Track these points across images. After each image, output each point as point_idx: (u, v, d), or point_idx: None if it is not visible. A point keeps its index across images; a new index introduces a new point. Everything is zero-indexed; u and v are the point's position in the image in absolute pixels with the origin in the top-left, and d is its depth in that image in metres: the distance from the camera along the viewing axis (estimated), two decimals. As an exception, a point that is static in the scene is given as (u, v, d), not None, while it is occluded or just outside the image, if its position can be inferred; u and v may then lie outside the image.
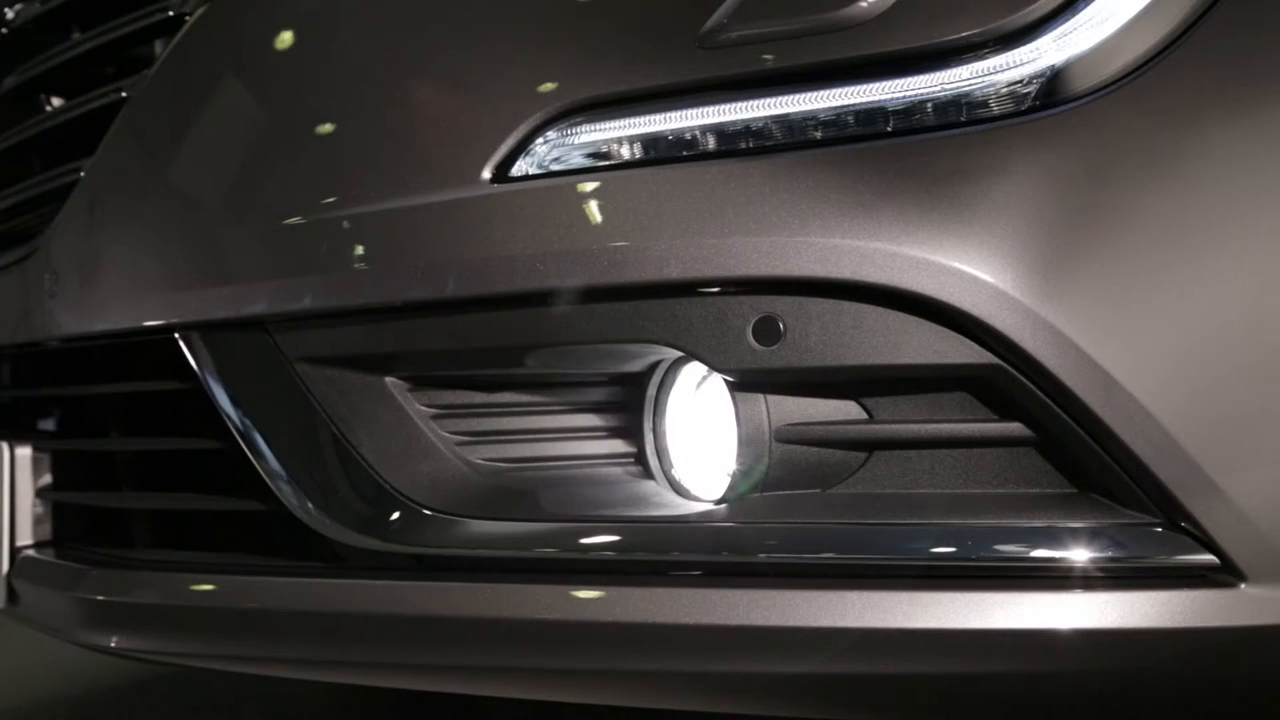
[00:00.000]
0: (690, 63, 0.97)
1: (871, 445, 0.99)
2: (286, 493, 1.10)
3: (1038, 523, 0.93)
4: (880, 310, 0.93)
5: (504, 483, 1.07)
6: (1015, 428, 0.94)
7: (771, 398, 0.99)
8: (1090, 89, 0.90)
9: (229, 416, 1.13)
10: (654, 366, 1.05)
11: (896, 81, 0.93)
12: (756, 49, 0.96)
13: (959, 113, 0.92)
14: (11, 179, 1.46)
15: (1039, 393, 0.91)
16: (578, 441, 1.08)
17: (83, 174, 1.27)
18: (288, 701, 1.94)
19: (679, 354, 1.01)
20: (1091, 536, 0.92)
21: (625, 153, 0.99)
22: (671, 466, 1.06)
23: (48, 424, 1.48)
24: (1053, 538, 0.93)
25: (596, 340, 1.02)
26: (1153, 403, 0.89)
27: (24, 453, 1.39)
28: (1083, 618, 0.91)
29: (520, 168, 1.01)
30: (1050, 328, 0.89)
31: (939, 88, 0.92)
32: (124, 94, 1.24)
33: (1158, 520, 0.91)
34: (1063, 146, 0.90)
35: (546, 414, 1.09)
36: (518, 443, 1.09)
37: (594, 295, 0.99)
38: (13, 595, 1.36)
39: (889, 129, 0.93)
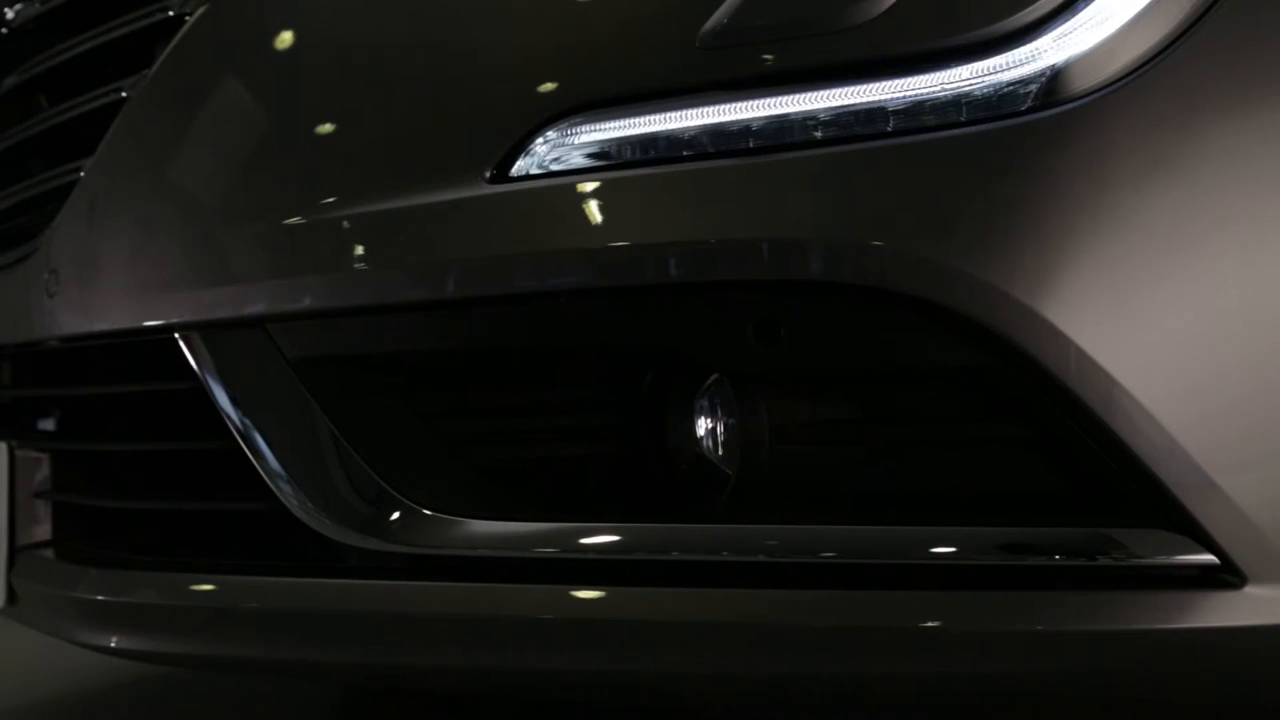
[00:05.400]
0: (690, 63, 0.97)
1: (872, 445, 0.99)
2: (286, 493, 1.10)
3: (1038, 523, 0.93)
4: (880, 310, 0.93)
5: (504, 483, 1.07)
6: (1015, 428, 0.94)
7: (771, 397, 0.99)
8: (1090, 89, 0.91)
9: (229, 416, 1.13)
10: (654, 366, 1.05)
11: (896, 81, 0.93)
12: (756, 49, 0.96)
13: (959, 113, 0.92)
14: (11, 179, 1.46)
15: (1039, 393, 0.91)
16: (578, 441, 1.08)
17: (83, 174, 1.27)
18: (288, 701, 1.94)
19: (679, 354, 1.01)
20: (1091, 536, 0.92)
21: (625, 153, 0.98)
22: (672, 466, 1.06)
23: (48, 424, 1.48)
24: (1053, 538, 0.93)
25: (596, 340, 1.02)
26: (1153, 403, 0.89)
27: (24, 453, 1.39)
28: (1083, 618, 0.91)
29: (520, 168, 1.01)
30: (1050, 328, 0.89)
31: (939, 88, 0.92)
32: (124, 94, 1.24)
33: (1158, 520, 0.91)
34: (1063, 146, 0.90)
35: (546, 414, 1.09)
36: (518, 443, 1.09)
37: (594, 295, 0.99)
38: (13, 595, 1.36)
39: (889, 129, 0.93)
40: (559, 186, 0.99)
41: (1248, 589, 0.90)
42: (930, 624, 0.93)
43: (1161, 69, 0.90)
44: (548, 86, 1.01)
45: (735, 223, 0.95)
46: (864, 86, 0.93)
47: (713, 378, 1.02)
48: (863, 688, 0.99)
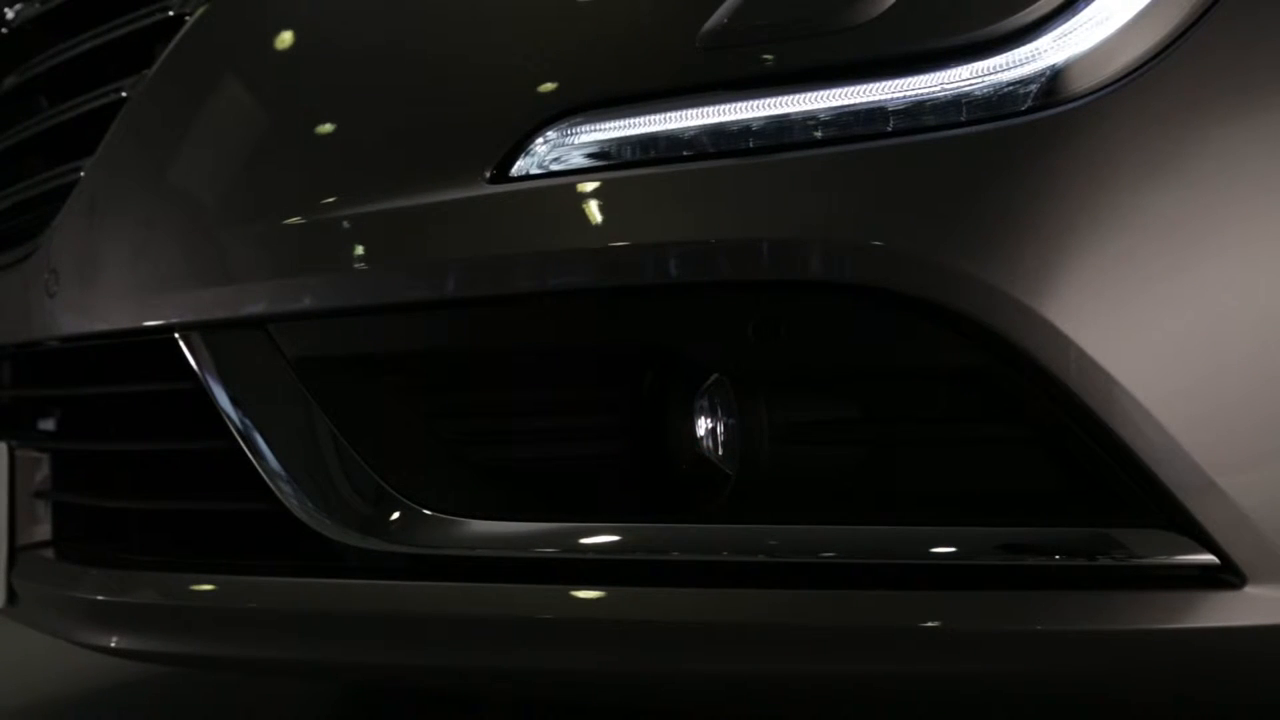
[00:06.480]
0: (690, 63, 0.97)
1: (872, 445, 0.99)
2: (286, 493, 1.10)
3: (1037, 523, 0.93)
4: (880, 310, 0.93)
5: (504, 483, 1.07)
6: (1015, 428, 0.94)
7: (771, 397, 0.99)
8: (1090, 89, 0.91)
9: (229, 416, 1.13)
10: (654, 366, 1.05)
11: (896, 81, 0.93)
12: (756, 49, 0.96)
13: (959, 113, 0.92)
14: (11, 179, 1.46)
15: (1039, 393, 0.91)
16: (577, 441, 1.08)
17: (83, 174, 1.27)
18: (288, 702, 1.95)
19: (679, 354, 1.01)
20: (1091, 537, 0.92)
21: (625, 153, 0.99)
22: (672, 466, 1.06)
23: (48, 424, 1.48)
24: (1053, 538, 0.93)
25: (596, 340, 1.02)
26: (1153, 403, 0.89)
27: (25, 453, 1.39)
28: (1083, 618, 0.91)
29: (520, 168, 1.01)
30: (1050, 328, 0.89)
31: (939, 88, 0.92)
32: (124, 94, 1.24)
33: (1158, 520, 0.91)
34: (1063, 146, 0.90)
35: (546, 414, 1.09)
36: (518, 443, 1.09)
37: (594, 295, 0.99)
38: (13, 595, 1.36)
39: (889, 129, 0.93)
40: (559, 186, 0.99)
41: (1248, 589, 0.90)
42: (930, 624, 0.93)
43: (1162, 69, 0.90)
44: (548, 86, 1.01)
45: (735, 223, 0.95)
46: (864, 86, 0.93)
47: (713, 378, 1.02)
48: (863, 688, 0.99)
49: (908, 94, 0.93)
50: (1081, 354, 0.89)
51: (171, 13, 1.23)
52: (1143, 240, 0.89)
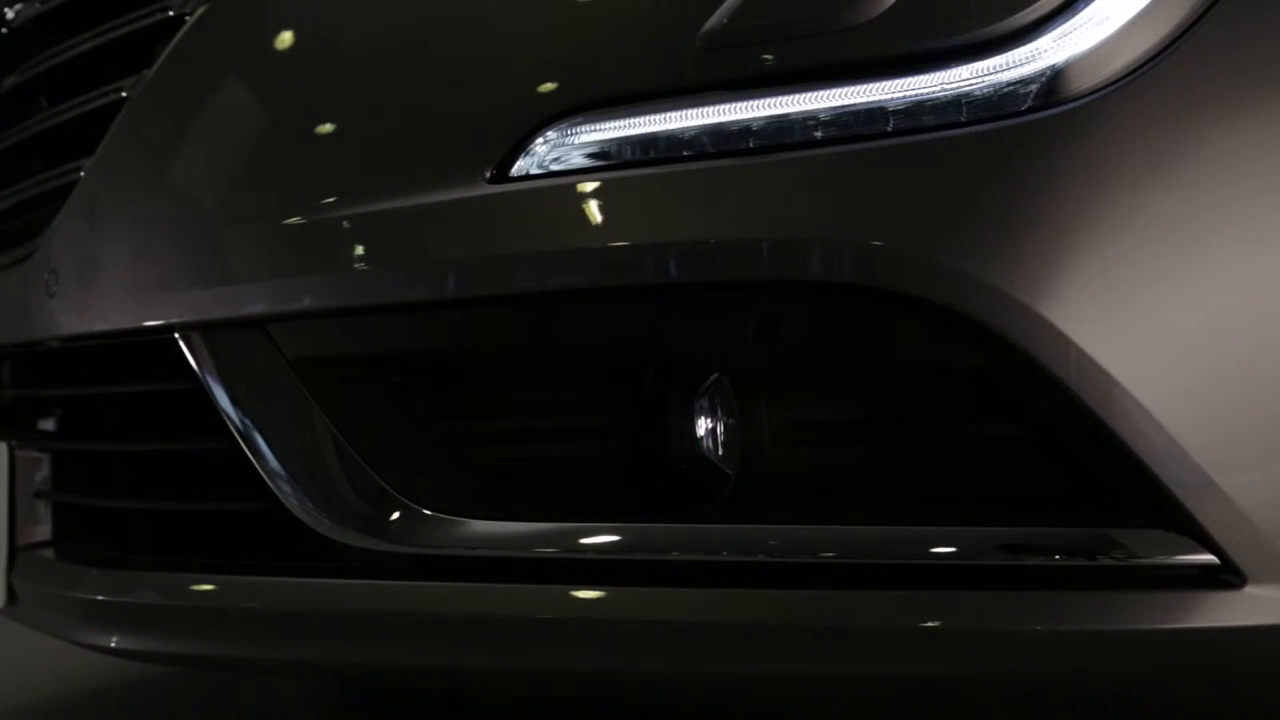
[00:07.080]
0: (690, 63, 0.97)
1: (871, 445, 0.99)
2: (286, 493, 1.10)
3: (1038, 523, 0.93)
4: (880, 310, 0.93)
5: (504, 483, 1.07)
6: (1015, 428, 0.94)
7: (771, 397, 0.99)
8: (1090, 89, 0.91)
9: (229, 416, 1.13)
10: (654, 366, 1.05)
11: (896, 81, 0.93)
12: (756, 49, 0.96)
13: (959, 113, 0.92)
14: (11, 179, 1.46)
15: (1039, 393, 0.91)
16: (578, 441, 1.08)
17: (83, 174, 1.27)
18: (288, 702, 1.95)
19: (679, 354, 1.01)
20: (1091, 536, 0.92)
21: (625, 153, 0.98)
22: (672, 466, 1.06)
23: (48, 424, 1.48)
24: (1053, 538, 0.93)
25: (596, 340, 1.02)
26: (1153, 403, 0.89)
27: (24, 453, 1.39)
28: (1083, 618, 0.91)
29: (520, 168, 1.01)
30: (1050, 328, 0.89)
31: (939, 88, 0.92)
32: (124, 94, 1.24)
33: (1158, 520, 0.91)
34: (1063, 146, 0.90)
35: (547, 414, 1.09)
36: (518, 443, 1.09)
37: (594, 295, 0.99)
38: (13, 595, 1.36)
39: (889, 129, 0.93)
40: (559, 186, 0.99)
41: (1248, 589, 0.90)
42: (930, 624, 0.93)
43: (1161, 69, 0.90)
44: (548, 86, 1.01)
45: (735, 223, 0.95)
46: (864, 86, 0.93)
47: (713, 378, 1.02)
48: (863, 688, 0.99)
49: (908, 94, 0.93)
50: (1081, 354, 0.89)
51: (171, 13, 1.23)
52: (1143, 240, 0.89)
